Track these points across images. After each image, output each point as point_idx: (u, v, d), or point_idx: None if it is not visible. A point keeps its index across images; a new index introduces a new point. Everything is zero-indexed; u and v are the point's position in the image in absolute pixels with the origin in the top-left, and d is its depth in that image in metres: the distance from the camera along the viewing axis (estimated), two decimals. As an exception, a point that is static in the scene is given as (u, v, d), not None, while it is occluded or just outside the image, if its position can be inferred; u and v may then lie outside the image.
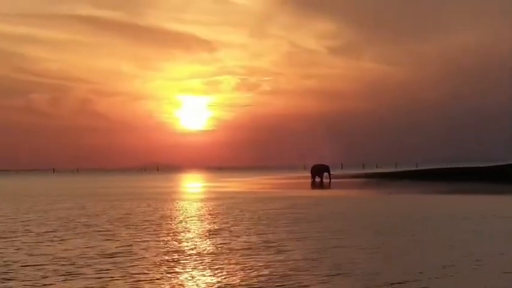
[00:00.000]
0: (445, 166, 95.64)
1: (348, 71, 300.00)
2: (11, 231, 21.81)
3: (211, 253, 15.99)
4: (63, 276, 12.96)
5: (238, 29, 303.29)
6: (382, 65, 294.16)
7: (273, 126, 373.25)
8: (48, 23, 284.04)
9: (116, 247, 17.22)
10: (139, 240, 18.81)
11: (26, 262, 14.88)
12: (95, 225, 23.46)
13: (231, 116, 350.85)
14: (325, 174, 77.59)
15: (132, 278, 12.71)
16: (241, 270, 13.43)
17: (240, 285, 11.96)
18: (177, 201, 38.81)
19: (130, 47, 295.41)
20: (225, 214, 27.97)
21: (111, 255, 15.68)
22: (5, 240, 19.41)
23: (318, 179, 77.00)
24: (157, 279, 12.59)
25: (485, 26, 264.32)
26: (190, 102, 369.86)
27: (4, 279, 12.77)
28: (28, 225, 23.87)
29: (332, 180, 74.58)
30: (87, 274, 13.17)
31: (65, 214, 29.19)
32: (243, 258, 14.93)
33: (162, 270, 13.55)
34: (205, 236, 19.86)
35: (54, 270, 13.70)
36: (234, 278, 12.60)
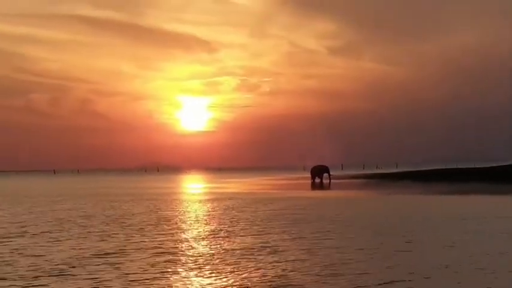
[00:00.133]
0: (445, 166, 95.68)
1: (348, 71, 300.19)
2: (7, 232, 21.74)
3: (206, 254, 15.92)
4: (55, 277, 12.91)
5: (238, 29, 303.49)
6: (382, 65, 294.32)
7: (273, 127, 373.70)
8: (48, 23, 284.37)
9: (110, 248, 17.16)
10: (135, 241, 18.73)
11: (19, 263, 14.83)
12: (91, 226, 23.38)
13: (231, 117, 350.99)
14: (325, 175, 77.49)
15: (124, 278, 12.66)
16: (234, 271, 13.37)
17: (231, 285, 11.91)
18: (176, 202, 38.72)
19: (130, 47, 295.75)
20: (222, 215, 27.88)
21: (105, 256, 15.63)
22: (1, 241, 19.31)
23: (317, 180, 76.89)
24: (149, 279, 12.52)
25: (485, 26, 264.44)
26: (190, 103, 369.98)
27: (-4, 279, 12.70)
28: (25, 226, 23.80)
29: (332, 181, 74.47)
30: (80, 274, 13.11)
31: (62, 215, 29.11)
32: (237, 259, 14.87)
33: (154, 270, 13.49)
34: (201, 237, 19.78)
35: (47, 270, 13.64)
36: (227, 278, 12.55)
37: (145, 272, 13.32)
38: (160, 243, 18.14)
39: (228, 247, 17.09)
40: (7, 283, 12.38)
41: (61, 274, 13.18)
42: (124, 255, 15.78)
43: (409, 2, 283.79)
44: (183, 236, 20.05)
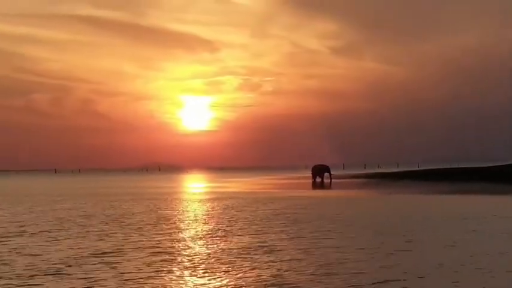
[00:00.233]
0: (445, 166, 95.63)
1: (349, 71, 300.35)
2: (6, 232, 21.78)
3: (202, 253, 15.94)
4: (51, 276, 12.96)
5: (240, 29, 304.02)
6: (383, 65, 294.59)
7: (274, 127, 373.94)
8: (49, 23, 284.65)
9: (108, 247, 17.19)
10: (132, 240, 18.76)
11: (17, 262, 14.87)
12: (90, 226, 23.41)
13: (233, 116, 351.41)
14: (326, 174, 77.51)
15: (120, 277, 12.69)
16: (229, 270, 13.40)
17: (227, 285, 11.92)
18: (176, 201, 38.74)
19: (131, 47, 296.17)
20: (222, 214, 27.91)
21: (102, 255, 15.66)
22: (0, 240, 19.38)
23: (318, 179, 76.91)
24: (144, 278, 12.54)
25: (485, 26, 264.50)
26: (192, 103, 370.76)
27: (-8, 278, 12.74)
28: (24, 226, 23.84)
29: (333, 180, 74.47)
30: (75, 274, 13.15)
31: (62, 214, 29.15)
32: (233, 259, 14.90)
33: (150, 270, 13.51)
34: (199, 236, 19.80)
35: (43, 270, 13.68)
36: (221, 278, 12.58)
37: (141, 271, 13.35)
38: (157, 242, 18.16)
39: (224, 247, 17.12)
40: (2, 282, 12.42)
41: (57, 273, 13.22)
42: (121, 254, 15.81)
43: (410, 2, 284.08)
44: (181, 235, 20.07)
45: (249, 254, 15.65)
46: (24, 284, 12.21)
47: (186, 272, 13.23)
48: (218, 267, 13.74)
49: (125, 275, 12.94)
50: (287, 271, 13.12)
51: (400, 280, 12.12)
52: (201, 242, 18.22)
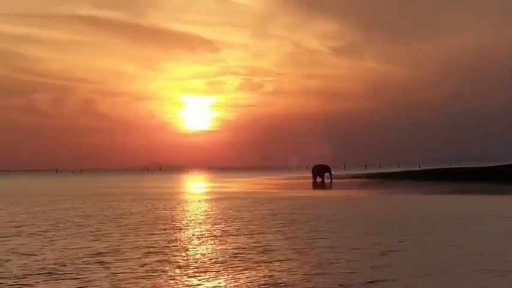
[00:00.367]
0: (445, 166, 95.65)
1: (350, 71, 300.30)
2: (4, 232, 21.82)
3: (197, 254, 16.01)
4: (44, 276, 13.01)
5: (241, 29, 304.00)
6: (384, 65, 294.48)
7: (275, 127, 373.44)
8: (49, 23, 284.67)
9: (104, 247, 17.23)
10: (129, 240, 18.81)
11: (12, 262, 14.92)
12: (87, 226, 23.46)
13: (233, 117, 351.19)
14: (326, 174, 77.53)
15: (115, 277, 12.73)
16: (224, 270, 13.46)
17: (219, 285, 11.97)
18: (175, 201, 38.79)
19: (132, 47, 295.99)
20: (219, 215, 27.95)
21: (98, 255, 15.70)
22: (-4, 240, 19.42)
23: (319, 179, 76.93)
24: (137, 279, 12.60)
25: (485, 26, 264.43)
26: (193, 103, 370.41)
27: (-14, 278, 12.79)
28: (22, 226, 23.89)
29: (333, 180, 74.49)
30: (69, 274, 13.20)
31: (60, 214, 29.21)
32: (227, 259, 14.96)
33: (144, 270, 13.56)
34: (195, 236, 19.85)
35: (37, 269, 13.73)
36: (215, 278, 12.64)
37: (134, 271, 13.39)
38: (153, 242, 18.20)
39: (219, 247, 17.17)
40: (-4, 282, 12.47)
41: (50, 273, 13.26)
42: (116, 254, 15.85)
43: (410, 3, 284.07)
44: (177, 235, 20.11)
45: (243, 254, 15.70)
46: (15, 284, 12.27)
47: (180, 272, 13.28)
48: (211, 267, 13.79)
49: (118, 275, 12.99)
50: (279, 271, 13.16)
51: (390, 280, 12.15)
52: (196, 242, 18.27)
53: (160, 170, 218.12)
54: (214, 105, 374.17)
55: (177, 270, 13.50)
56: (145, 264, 14.32)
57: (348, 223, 23.54)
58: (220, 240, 18.57)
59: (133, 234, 20.35)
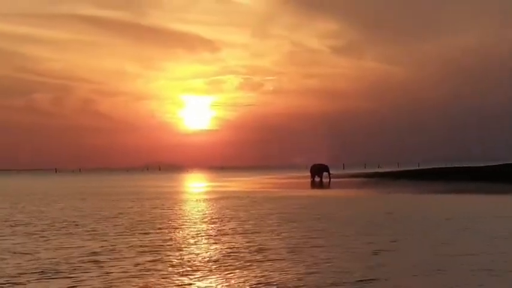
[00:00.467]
0: (447, 165, 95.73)
1: (350, 71, 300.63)
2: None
3: (191, 253, 16.06)
4: (37, 274, 13.08)
5: (241, 28, 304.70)
6: (383, 65, 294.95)
7: (275, 126, 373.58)
8: (51, 23, 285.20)
9: (99, 247, 17.29)
10: (124, 240, 18.85)
11: (5, 261, 14.96)
12: (84, 225, 23.51)
13: (233, 116, 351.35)
14: (325, 173, 77.58)
15: (107, 277, 12.78)
16: (216, 270, 13.52)
17: (211, 285, 12.02)
18: (174, 201, 38.84)
19: (132, 47, 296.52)
20: (216, 214, 28.01)
21: (92, 255, 15.75)
22: (-9, 239, 19.48)
23: (317, 179, 76.98)
24: (129, 278, 12.65)
25: (486, 26, 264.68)
26: (193, 102, 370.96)
27: (-21, 277, 12.85)
28: (18, 225, 23.96)
29: (332, 179, 74.55)
30: (63, 273, 13.26)
31: (57, 214, 29.27)
32: (220, 258, 15.03)
33: (139, 269, 13.61)
34: (190, 236, 19.90)
35: (30, 269, 13.79)
36: (207, 278, 12.67)
37: (127, 271, 13.44)
38: (148, 242, 18.25)
39: (213, 246, 17.22)
40: (-11, 281, 12.53)
41: (43, 272, 13.31)
42: (110, 254, 15.90)
43: (410, 2, 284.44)
44: (173, 235, 20.16)
45: (236, 253, 15.75)
46: (7, 283, 12.32)
47: (172, 271, 13.32)
48: (204, 267, 13.84)
49: (111, 274, 13.04)
50: (271, 271, 13.20)
51: (382, 279, 12.20)
52: (191, 242, 18.32)
53: (160, 169, 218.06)
54: (214, 105, 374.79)
55: (170, 269, 13.55)
56: (139, 263, 14.37)
57: (345, 222, 23.57)
58: (214, 240, 18.62)
59: (128, 234, 20.40)
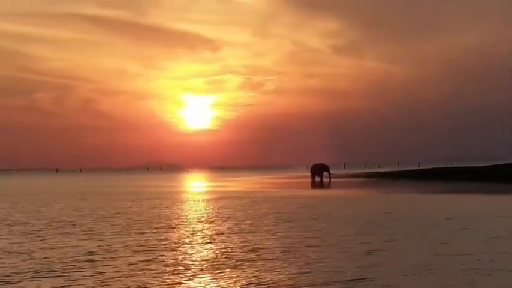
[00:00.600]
0: (445, 166, 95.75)
1: (350, 70, 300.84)
2: (-4, 231, 21.95)
3: (186, 252, 16.12)
4: (31, 273, 13.15)
5: (242, 28, 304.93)
6: (384, 64, 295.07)
7: (276, 126, 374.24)
8: (52, 22, 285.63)
9: (95, 246, 17.35)
10: (120, 239, 18.91)
11: (1, 260, 15.01)
12: (81, 225, 23.58)
13: (234, 115, 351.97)
14: (325, 173, 77.61)
15: (100, 276, 12.85)
16: (210, 269, 13.58)
17: (203, 284, 12.07)
18: (173, 200, 38.89)
19: (133, 46, 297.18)
20: (214, 214, 28.06)
21: (88, 254, 15.82)
22: (-12, 239, 19.54)
23: (317, 179, 77.01)
24: (122, 277, 12.71)
25: (486, 26, 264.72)
26: (194, 102, 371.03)
27: (-27, 276, 12.91)
28: (15, 225, 24.02)
29: (332, 179, 74.58)
30: (57, 272, 13.33)
31: (55, 213, 29.33)
32: (216, 258, 15.09)
33: (132, 269, 13.67)
34: (186, 235, 19.96)
35: (25, 268, 13.86)
36: (200, 277, 12.74)
37: (120, 270, 13.50)
38: (144, 242, 18.31)
39: (208, 246, 17.28)
40: (-18, 281, 12.59)
41: (37, 272, 13.39)
42: (106, 253, 15.97)
43: (411, 2, 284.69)
44: (169, 235, 20.20)
45: (230, 253, 15.81)
46: (3, 281, 12.39)
47: (165, 271, 13.38)
48: (197, 266, 13.91)
49: (104, 274, 13.11)
50: (264, 271, 13.26)
51: (373, 278, 12.25)
52: (186, 241, 18.37)
53: (161, 169, 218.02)
54: (215, 104, 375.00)
55: (162, 269, 13.61)
56: (132, 263, 14.43)
57: (344, 222, 23.59)
58: (210, 239, 18.68)
59: (125, 233, 20.46)
